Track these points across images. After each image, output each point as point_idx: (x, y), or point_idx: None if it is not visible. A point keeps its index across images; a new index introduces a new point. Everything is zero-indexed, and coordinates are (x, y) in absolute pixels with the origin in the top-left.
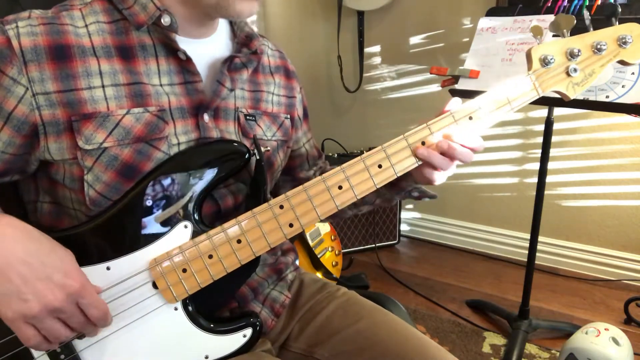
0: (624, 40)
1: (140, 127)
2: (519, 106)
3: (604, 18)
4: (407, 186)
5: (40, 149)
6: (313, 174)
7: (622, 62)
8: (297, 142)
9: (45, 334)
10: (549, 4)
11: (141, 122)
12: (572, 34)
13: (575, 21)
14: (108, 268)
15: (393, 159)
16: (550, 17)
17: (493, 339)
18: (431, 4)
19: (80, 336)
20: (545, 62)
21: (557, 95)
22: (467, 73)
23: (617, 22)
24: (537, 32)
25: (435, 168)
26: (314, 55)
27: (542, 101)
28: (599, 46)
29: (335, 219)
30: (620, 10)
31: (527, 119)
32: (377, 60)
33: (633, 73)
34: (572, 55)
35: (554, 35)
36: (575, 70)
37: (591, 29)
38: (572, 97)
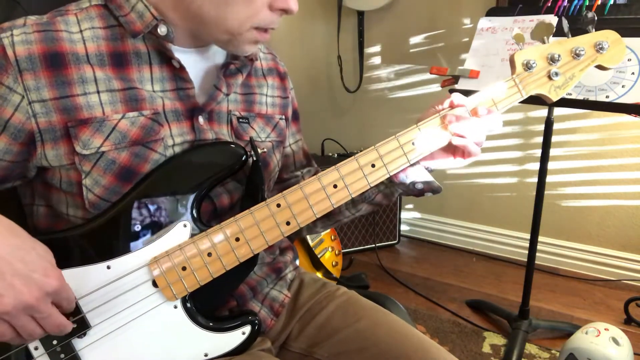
0: (600, 46)
1: (136, 131)
2: (504, 108)
3: (581, 24)
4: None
5: (37, 156)
6: (300, 174)
7: (600, 67)
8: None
9: (18, 331)
10: (549, 4)
11: (136, 125)
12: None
13: (554, 28)
14: (108, 267)
15: (385, 159)
16: (550, 17)
17: (493, 339)
18: (431, 4)
19: (81, 335)
20: (527, 66)
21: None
22: (467, 73)
23: (594, 30)
24: (519, 39)
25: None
26: (314, 55)
27: (542, 101)
28: (577, 51)
29: (335, 224)
30: (596, 19)
31: (527, 119)
32: (377, 60)
33: (633, 73)
34: (552, 60)
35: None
36: (556, 74)
37: (570, 35)
38: (554, 100)
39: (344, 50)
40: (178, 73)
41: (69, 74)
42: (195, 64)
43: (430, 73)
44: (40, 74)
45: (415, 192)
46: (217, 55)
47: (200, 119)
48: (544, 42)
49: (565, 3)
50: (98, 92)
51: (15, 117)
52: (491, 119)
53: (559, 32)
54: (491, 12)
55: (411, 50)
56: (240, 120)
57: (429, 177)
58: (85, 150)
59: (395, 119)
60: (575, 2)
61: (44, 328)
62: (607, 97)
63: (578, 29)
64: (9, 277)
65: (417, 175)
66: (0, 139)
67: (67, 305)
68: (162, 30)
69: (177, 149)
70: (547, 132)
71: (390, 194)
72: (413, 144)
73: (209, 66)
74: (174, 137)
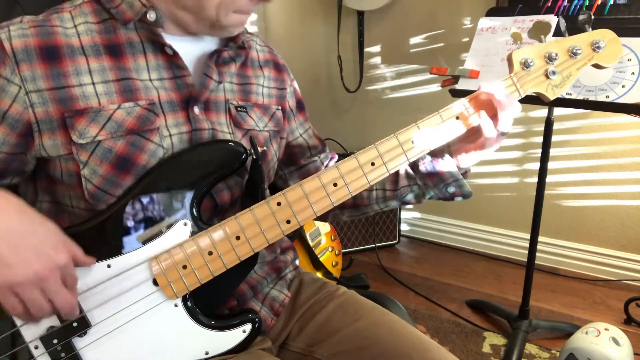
0: (597, 45)
1: (131, 120)
2: None
3: (579, 24)
4: (449, 177)
5: (36, 147)
6: (319, 161)
7: (597, 66)
8: (292, 133)
9: (27, 304)
10: (549, 4)
11: (132, 115)
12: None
13: (552, 27)
14: (109, 266)
15: (385, 157)
16: (550, 17)
17: (493, 339)
18: (431, 4)
19: (81, 334)
20: (525, 65)
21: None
22: (467, 73)
23: (591, 29)
24: (516, 37)
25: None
26: (314, 55)
27: (541, 101)
28: (574, 50)
29: (362, 215)
30: (593, 18)
31: (527, 119)
32: (377, 60)
33: (633, 73)
34: (550, 58)
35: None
36: (553, 72)
37: (567, 34)
38: (551, 99)
39: (344, 50)
40: (173, 60)
41: (64, 66)
42: (188, 52)
43: (430, 73)
44: (36, 65)
45: (447, 195)
46: (209, 43)
47: (196, 109)
48: (541, 41)
49: (566, 3)
50: (93, 83)
51: (14, 108)
52: (513, 104)
53: (556, 32)
54: (491, 12)
55: (411, 50)
56: (239, 109)
57: (460, 178)
58: (81, 139)
59: (395, 119)
60: (575, 2)
61: (54, 303)
62: (607, 97)
63: (575, 28)
64: (19, 249)
65: (450, 177)
66: None
67: (70, 281)
68: (151, 16)
69: (175, 139)
70: (547, 132)
71: (422, 195)
72: (412, 142)
73: (202, 54)
74: (169, 128)
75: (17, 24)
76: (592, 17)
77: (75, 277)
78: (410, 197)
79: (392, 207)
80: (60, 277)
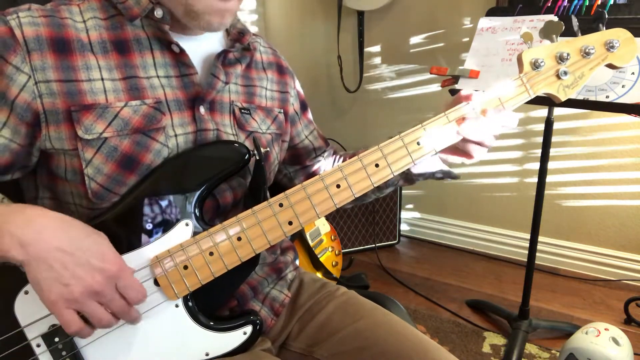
0: (611, 45)
1: (138, 119)
2: (511, 108)
3: (592, 22)
4: (434, 170)
5: (42, 138)
6: (323, 160)
7: (610, 66)
8: (299, 135)
9: (88, 317)
10: (549, 4)
11: (139, 113)
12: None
13: (563, 27)
14: None
15: (389, 159)
16: (550, 17)
17: (493, 339)
18: (431, 4)
19: None
20: (535, 65)
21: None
22: (467, 73)
23: (604, 28)
24: (527, 38)
25: (473, 142)
26: (314, 55)
27: (542, 101)
28: (587, 50)
29: (358, 203)
30: (607, 16)
31: (527, 119)
32: (377, 60)
33: (633, 73)
34: (561, 59)
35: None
36: (565, 73)
37: (579, 34)
38: (563, 100)
39: (344, 50)
40: (180, 58)
41: (74, 60)
42: (194, 51)
43: (430, 73)
44: (47, 55)
45: (434, 179)
46: (216, 43)
47: (202, 109)
48: (552, 41)
49: (565, 3)
50: (102, 79)
51: (21, 97)
52: (498, 119)
53: (567, 31)
54: (491, 12)
55: (411, 50)
56: (243, 111)
57: (444, 167)
58: (87, 135)
59: (395, 119)
60: (575, 2)
61: (113, 312)
62: (607, 97)
63: (587, 27)
64: (71, 266)
65: (434, 167)
66: (9, 120)
67: (133, 294)
68: (158, 13)
69: (180, 140)
70: (547, 132)
71: (412, 180)
72: (418, 143)
73: (208, 54)
74: (175, 128)
75: (26, 11)
76: (607, 16)
77: (130, 282)
78: (401, 182)
79: (387, 193)
80: (116, 287)
